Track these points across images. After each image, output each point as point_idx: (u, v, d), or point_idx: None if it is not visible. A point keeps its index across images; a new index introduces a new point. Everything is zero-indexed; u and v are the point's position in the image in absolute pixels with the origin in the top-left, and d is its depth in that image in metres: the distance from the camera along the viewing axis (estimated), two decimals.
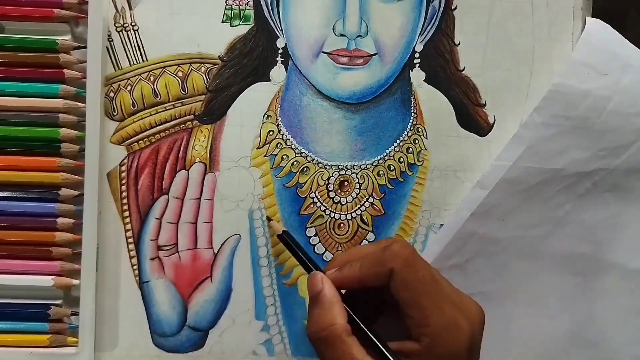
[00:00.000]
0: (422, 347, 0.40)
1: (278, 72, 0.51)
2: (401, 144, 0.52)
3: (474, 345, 0.41)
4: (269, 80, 0.51)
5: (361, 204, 0.52)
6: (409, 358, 0.40)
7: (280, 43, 0.51)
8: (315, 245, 0.51)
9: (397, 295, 0.41)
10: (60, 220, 0.48)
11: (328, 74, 0.51)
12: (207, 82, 0.51)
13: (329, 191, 0.51)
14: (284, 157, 0.51)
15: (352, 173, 0.52)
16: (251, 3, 0.51)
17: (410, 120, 0.52)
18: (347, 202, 0.52)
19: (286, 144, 0.51)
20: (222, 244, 0.51)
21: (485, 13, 0.52)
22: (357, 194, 0.52)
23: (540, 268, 0.52)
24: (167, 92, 0.50)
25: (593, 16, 0.53)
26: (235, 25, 0.51)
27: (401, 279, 0.41)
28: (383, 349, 0.40)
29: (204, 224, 0.51)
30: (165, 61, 0.50)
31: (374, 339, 0.41)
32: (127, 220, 0.50)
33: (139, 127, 0.50)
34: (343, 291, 0.44)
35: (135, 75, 0.50)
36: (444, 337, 0.40)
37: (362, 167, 0.52)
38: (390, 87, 0.52)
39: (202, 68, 0.51)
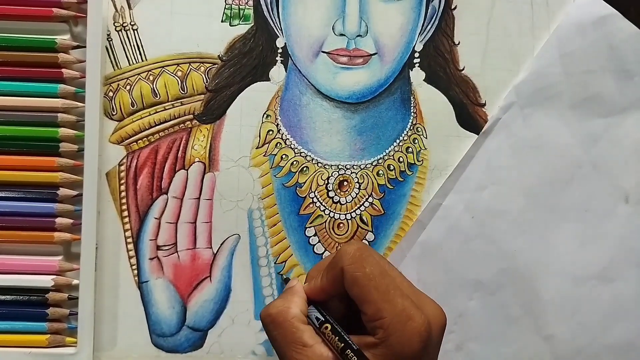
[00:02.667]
0: (377, 339, 0.40)
1: (277, 72, 0.51)
2: (401, 144, 0.52)
3: (430, 341, 0.40)
4: (269, 79, 0.51)
5: (361, 203, 0.52)
6: (366, 350, 0.40)
7: (279, 43, 0.51)
8: (314, 245, 0.51)
9: (350, 294, 0.41)
10: (58, 220, 0.48)
11: (328, 73, 0.51)
12: (207, 82, 0.51)
13: (328, 191, 0.51)
14: (284, 156, 0.51)
15: (351, 173, 0.52)
16: (251, 2, 0.51)
17: (410, 120, 0.52)
18: (346, 201, 0.52)
19: (285, 143, 0.51)
20: (222, 244, 0.51)
21: (485, 13, 0.52)
22: (357, 194, 0.52)
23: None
24: (167, 92, 0.50)
25: None
26: (235, 25, 0.51)
27: (350, 276, 0.41)
28: (345, 336, 0.40)
29: (203, 223, 0.51)
30: (164, 61, 0.50)
31: (337, 327, 0.41)
32: (126, 220, 0.50)
33: (138, 127, 0.50)
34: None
35: (134, 75, 0.50)
36: (396, 327, 0.39)
37: (362, 166, 0.52)
38: (390, 87, 0.52)
39: (202, 68, 0.51)
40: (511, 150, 0.51)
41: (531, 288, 0.51)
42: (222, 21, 0.51)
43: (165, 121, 0.50)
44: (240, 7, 0.51)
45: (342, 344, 0.40)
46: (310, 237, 0.51)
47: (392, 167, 0.52)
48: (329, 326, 0.41)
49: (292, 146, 0.51)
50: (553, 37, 0.52)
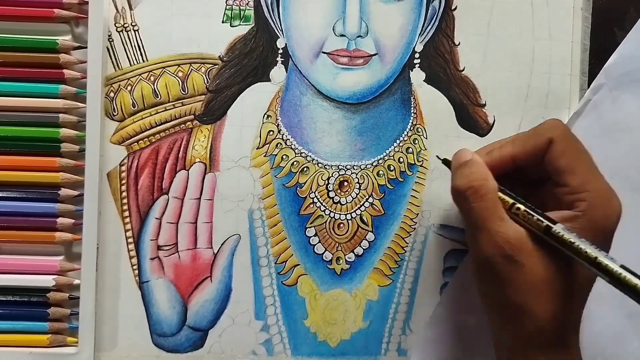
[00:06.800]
0: (578, 212, 0.40)
1: (278, 72, 0.51)
2: (401, 144, 0.52)
3: (617, 224, 0.42)
4: (269, 80, 0.51)
5: (361, 204, 0.52)
6: (564, 223, 0.41)
7: (280, 43, 0.51)
8: (315, 245, 0.51)
9: (554, 164, 0.42)
10: (60, 220, 0.48)
11: (328, 74, 0.51)
12: (207, 82, 0.51)
13: (328, 191, 0.51)
14: (284, 157, 0.51)
15: (351, 173, 0.52)
16: (251, 3, 0.51)
17: (410, 121, 0.52)
18: (346, 202, 0.52)
19: (286, 144, 0.51)
20: (222, 244, 0.51)
21: (485, 13, 0.52)
22: (357, 194, 0.52)
23: None
24: (167, 92, 0.51)
25: (592, 16, 0.53)
26: (236, 26, 0.51)
27: (560, 147, 0.41)
28: (533, 211, 0.41)
29: (203, 224, 0.51)
30: (165, 61, 0.50)
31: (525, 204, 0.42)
32: (127, 220, 0.50)
33: (139, 127, 0.50)
34: None
35: (135, 76, 0.50)
36: (600, 202, 0.41)
37: (362, 167, 0.52)
38: (390, 88, 0.52)
39: (202, 68, 0.51)
40: (600, 131, 0.52)
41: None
42: (222, 22, 0.51)
43: (166, 121, 0.51)
44: (241, 7, 0.51)
45: (544, 224, 0.41)
46: (310, 237, 0.51)
47: (392, 168, 0.52)
48: (521, 207, 0.42)
49: (293, 146, 0.51)
50: (639, 22, 0.52)
